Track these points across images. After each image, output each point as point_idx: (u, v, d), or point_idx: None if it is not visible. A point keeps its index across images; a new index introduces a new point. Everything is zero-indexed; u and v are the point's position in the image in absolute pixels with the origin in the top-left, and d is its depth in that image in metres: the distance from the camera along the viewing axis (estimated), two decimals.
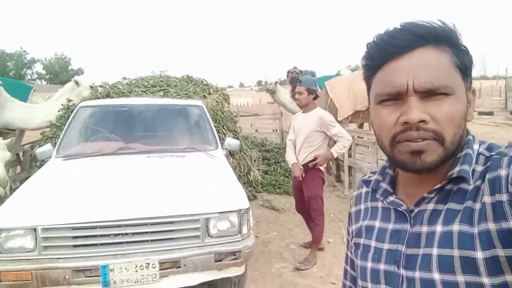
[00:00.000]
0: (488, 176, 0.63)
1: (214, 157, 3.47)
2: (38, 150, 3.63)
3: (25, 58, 46.45)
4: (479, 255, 0.59)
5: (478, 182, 0.64)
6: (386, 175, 0.79)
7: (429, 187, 0.68)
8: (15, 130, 5.97)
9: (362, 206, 0.84)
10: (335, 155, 3.63)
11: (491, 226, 0.59)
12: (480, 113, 18.85)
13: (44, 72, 53.42)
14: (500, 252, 0.58)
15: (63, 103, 5.05)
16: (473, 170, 0.65)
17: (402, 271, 0.68)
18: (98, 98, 4.47)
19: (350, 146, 5.96)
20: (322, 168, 3.64)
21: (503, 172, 0.61)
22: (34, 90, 6.52)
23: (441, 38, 0.65)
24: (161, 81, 4.92)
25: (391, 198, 0.75)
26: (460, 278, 0.60)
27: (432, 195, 0.68)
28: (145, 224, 2.42)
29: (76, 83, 5.30)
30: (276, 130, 11.05)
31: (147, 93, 4.54)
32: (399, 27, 0.67)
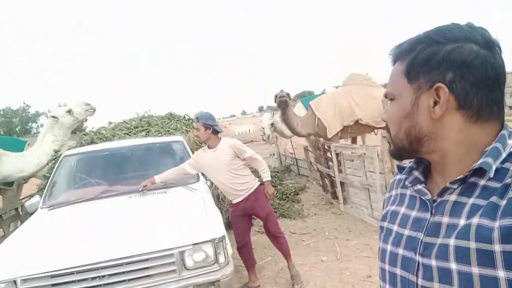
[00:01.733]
0: None
1: (194, 189, 3.55)
2: (27, 203, 3.74)
3: (29, 112, 47.80)
4: (497, 248, 0.60)
5: (509, 180, 0.64)
6: (421, 164, 0.82)
7: (453, 178, 0.70)
8: (12, 186, 6.15)
9: (393, 192, 0.88)
10: (269, 179, 3.60)
11: None
12: None
13: None
14: None
15: (52, 153, 5.20)
16: (506, 169, 0.66)
17: (419, 258, 0.71)
18: (83, 145, 4.62)
19: (340, 161, 6.04)
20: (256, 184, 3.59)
21: None
22: (28, 144, 6.75)
23: (404, 50, 0.75)
24: (143, 121, 5.08)
25: (419, 187, 0.78)
26: (475, 269, 0.62)
27: (455, 186, 0.70)
28: (121, 265, 2.47)
29: (54, 117, 5.51)
30: (273, 154, 11.17)
31: (129, 135, 4.69)
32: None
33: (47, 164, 5.07)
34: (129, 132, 4.75)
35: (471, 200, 0.67)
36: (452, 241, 0.66)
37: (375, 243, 4.44)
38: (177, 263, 2.54)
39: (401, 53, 0.76)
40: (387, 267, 0.80)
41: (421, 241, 0.72)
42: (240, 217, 3.62)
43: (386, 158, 4.74)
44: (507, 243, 0.59)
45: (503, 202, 0.62)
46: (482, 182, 0.67)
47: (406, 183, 0.82)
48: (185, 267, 2.57)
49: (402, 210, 0.81)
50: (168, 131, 4.73)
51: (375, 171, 4.94)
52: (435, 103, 0.70)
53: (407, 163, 0.85)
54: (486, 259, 0.61)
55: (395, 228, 0.80)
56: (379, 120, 6.52)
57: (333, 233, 5.09)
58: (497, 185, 0.65)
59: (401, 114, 0.74)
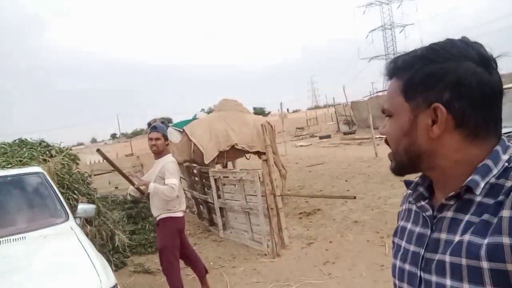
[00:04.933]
0: None
1: (65, 231, 2.92)
2: None
3: None
4: (485, 265, 0.61)
5: (501, 198, 0.63)
6: (426, 179, 0.81)
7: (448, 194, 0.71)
8: None
9: (403, 207, 0.88)
10: (150, 190, 3.35)
11: (506, 240, 0.59)
12: (320, 137, 21.70)
13: None
14: (510, 267, 0.59)
15: None
16: (501, 185, 0.65)
17: (421, 273, 0.73)
18: None
19: (218, 187, 5.97)
20: (176, 214, 3.47)
21: None
22: None
23: (400, 67, 0.75)
24: None
25: (422, 203, 0.78)
26: (466, 286, 0.63)
27: (451, 203, 0.70)
28: None
29: None
30: None
31: None
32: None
33: None
34: None
35: (466, 217, 0.68)
36: (447, 258, 0.67)
37: (261, 267, 4.46)
38: None
39: (397, 70, 0.76)
40: (397, 282, 0.82)
41: (423, 256, 0.74)
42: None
43: (267, 181, 4.89)
44: (493, 261, 0.60)
45: (495, 220, 0.63)
46: (478, 198, 0.67)
47: (410, 199, 0.83)
48: None
49: (409, 226, 0.82)
50: (21, 160, 3.83)
51: (256, 194, 5.02)
52: (433, 122, 0.70)
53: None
54: (476, 275, 0.62)
55: (403, 244, 0.82)
56: (253, 145, 6.77)
57: (218, 262, 4.91)
58: (491, 201, 0.65)
59: (399, 131, 0.75)
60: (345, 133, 21.21)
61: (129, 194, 7.59)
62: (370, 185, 7.61)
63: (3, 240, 2.72)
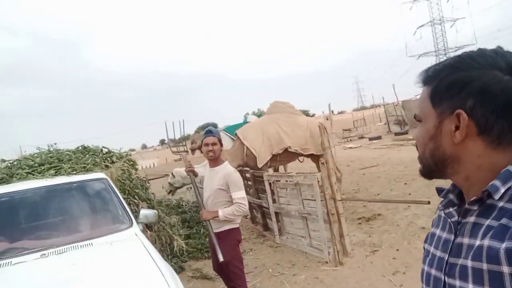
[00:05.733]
0: None
1: (130, 238, 2.89)
2: None
3: None
4: (505, 269, 0.61)
5: None
6: (456, 186, 0.82)
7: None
8: None
9: (437, 213, 0.90)
10: (221, 219, 3.15)
11: None
12: (370, 139, 20.91)
13: None
14: None
15: None
16: None
17: (445, 278, 0.74)
18: None
19: (273, 191, 5.82)
20: (236, 225, 3.30)
21: None
22: None
23: (430, 76, 0.78)
24: (51, 157, 4.16)
25: (450, 209, 0.79)
26: None
27: (475, 208, 0.72)
28: None
29: None
30: (191, 187, 10.52)
31: (33, 174, 3.76)
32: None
33: None
34: (33, 170, 3.81)
35: (487, 222, 0.69)
36: (469, 263, 0.68)
37: (323, 275, 4.23)
38: None
39: (428, 78, 0.79)
40: (424, 287, 0.83)
41: (447, 261, 0.75)
42: (212, 246, 3.28)
43: (327, 184, 4.65)
44: None
45: None
46: (501, 203, 0.68)
47: (440, 205, 0.85)
48: None
49: (438, 232, 0.84)
50: (85, 167, 3.92)
51: (315, 198, 4.80)
52: (456, 128, 0.72)
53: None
54: (497, 280, 0.62)
55: (431, 249, 0.83)
56: (307, 147, 6.55)
57: (276, 269, 4.74)
58: (511, 206, 0.66)
59: (426, 136, 0.78)
60: (396, 134, 20.29)
61: (172, 174, 7.61)
62: (434, 188, 7.10)
63: (71, 247, 2.74)
